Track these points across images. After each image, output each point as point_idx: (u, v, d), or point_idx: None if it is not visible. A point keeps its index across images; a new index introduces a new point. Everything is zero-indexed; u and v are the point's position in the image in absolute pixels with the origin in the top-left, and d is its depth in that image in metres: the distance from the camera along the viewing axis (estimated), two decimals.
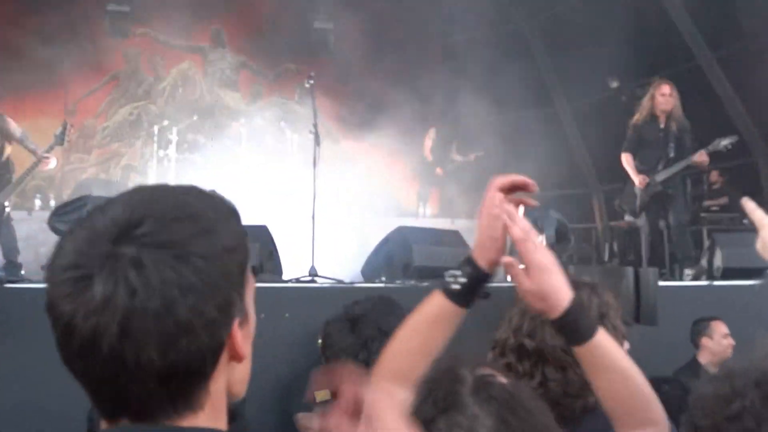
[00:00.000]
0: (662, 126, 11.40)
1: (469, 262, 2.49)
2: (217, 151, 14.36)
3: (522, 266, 2.39)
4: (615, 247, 16.49)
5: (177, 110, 17.38)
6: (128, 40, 18.22)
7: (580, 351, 2.40)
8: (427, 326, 2.48)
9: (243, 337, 1.61)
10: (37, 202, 14.17)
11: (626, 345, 3.27)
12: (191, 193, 1.63)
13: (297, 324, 6.93)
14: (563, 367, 3.00)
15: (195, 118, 15.93)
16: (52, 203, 14.31)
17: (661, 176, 11.37)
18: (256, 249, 8.08)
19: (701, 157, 10.91)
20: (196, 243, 1.50)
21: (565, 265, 10.60)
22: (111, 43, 18.10)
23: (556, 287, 2.39)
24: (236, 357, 1.61)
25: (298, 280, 8.53)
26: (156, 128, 15.01)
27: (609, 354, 2.38)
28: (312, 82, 10.88)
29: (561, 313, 2.38)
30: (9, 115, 10.82)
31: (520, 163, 15.52)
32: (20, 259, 10.74)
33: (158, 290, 1.44)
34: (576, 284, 3.26)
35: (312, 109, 10.99)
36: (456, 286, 2.46)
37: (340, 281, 8.57)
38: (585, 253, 17.28)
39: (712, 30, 15.52)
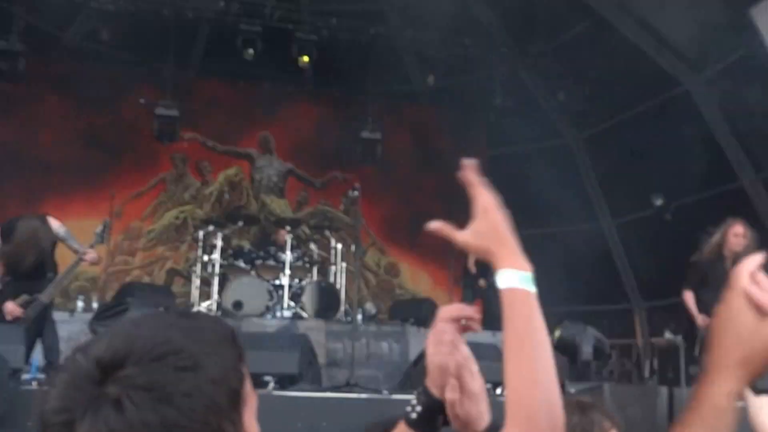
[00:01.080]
0: (729, 267, 10.69)
1: (424, 390, 2.48)
2: (262, 257, 14.41)
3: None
4: (655, 364, 16.37)
5: (223, 216, 17.48)
6: (176, 144, 18.40)
7: None
8: None
9: None
10: (80, 304, 14.20)
11: None
12: (176, 325, 1.62)
13: None
14: None
15: (240, 224, 16.01)
16: (95, 305, 14.35)
17: None
18: (296, 358, 8.09)
19: None
20: (178, 382, 1.50)
21: (603, 381, 10.55)
22: (159, 146, 18.32)
23: (480, 414, 2.39)
24: None
25: (336, 389, 8.49)
26: (201, 233, 15.10)
27: None
28: (357, 192, 10.87)
29: None
30: (55, 216, 10.86)
31: (562, 276, 15.53)
32: (61, 361, 10.67)
33: None
34: (566, 404, 3.45)
35: (356, 218, 10.98)
36: (414, 415, 2.45)
37: (377, 391, 8.50)
38: (625, 370, 17.16)
39: (757, 152, 15.48)
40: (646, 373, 16.71)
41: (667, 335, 14.02)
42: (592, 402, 3.76)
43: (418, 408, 2.45)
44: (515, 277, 2.20)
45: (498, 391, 8.51)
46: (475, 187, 2.37)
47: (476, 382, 2.40)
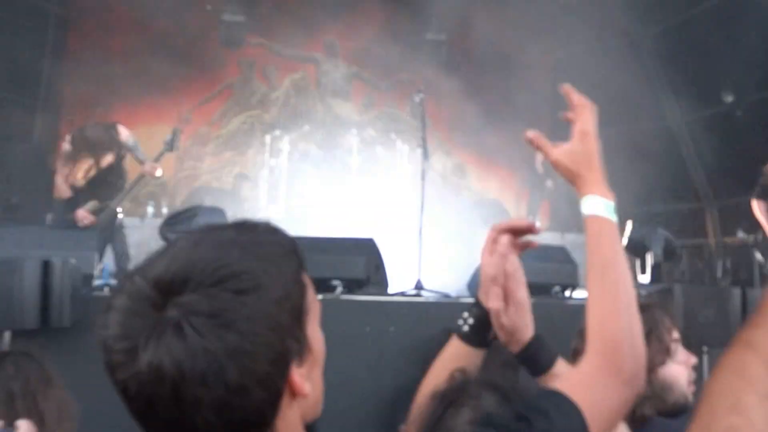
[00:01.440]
0: None
1: (477, 303, 2.56)
2: (329, 161, 14.44)
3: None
4: (728, 265, 16.17)
5: (289, 120, 17.54)
6: (243, 50, 18.46)
7: (543, 379, 2.44)
8: (448, 370, 2.55)
9: (306, 370, 1.63)
10: (150, 209, 14.37)
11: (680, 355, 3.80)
12: (236, 243, 1.61)
13: (402, 338, 6.91)
14: None
15: (307, 127, 16.05)
16: (165, 210, 14.52)
17: None
18: (363, 262, 8.10)
19: None
20: (239, 306, 1.50)
21: (674, 282, 10.48)
22: (226, 52, 18.38)
23: (525, 324, 2.47)
24: (298, 395, 1.62)
25: (403, 294, 8.50)
26: (268, 137, 15.15)
27: None
28: (421, 95, 10.77)
29: (521, 347, 2.47)
30: (124, 123, 10.95)
31: (631, 176, 15.37)
32: (132, 266, 10.76)
33: (204, 358, 1.46)
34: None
35: (422, 121, 10.89)
36: (466, 328, 2.55)
37: (446, 295, 8.54)
38: (697, 270, 17.02)
39: None
40: (719, 274, 16.57)
41: (740, 234, 13.85)
42: (650, 301, 3.82)
43: (471, 320, 2.55)
44: (601, 205, 2.30)
45: (567, 293, 8.47)
46: (579, 109, 2.43)
47: (523, 292, 2.48)
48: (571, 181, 2.39)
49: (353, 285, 7.82)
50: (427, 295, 8.42)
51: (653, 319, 3.68)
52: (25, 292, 6.15)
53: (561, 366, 2.45)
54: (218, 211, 10.73)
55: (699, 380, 3.85)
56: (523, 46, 18.96)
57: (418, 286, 8.88)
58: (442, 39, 18.42)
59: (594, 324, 2.14)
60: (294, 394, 1.61)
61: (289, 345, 1.57)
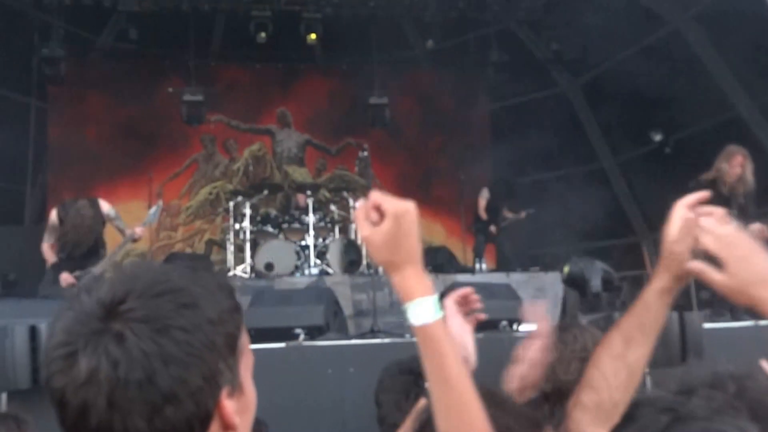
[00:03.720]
0: (725, 190, 10.38)
1: None
2: (288, 221, 14.60)
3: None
4: None
5: (250, 187, 17.75)
6: (204, 127, 18.74)
7: None
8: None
9: (237, 408, 1.57)
10: None
11: None
12: (177, 270, 1.59)
13: (361, 378, 6.73)
14: None
15: (266, 193, 16.21)
16: None
17: None
18: (322, 310, 8.24)
19: (762, 233, 10.20)
20: (176, 316, 1.48)
21: (615, 311, 10.54)
22: (189, 130, 18.68)
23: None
24: (228, 427, 1.56)
25: (361, 336, 8.62)
26: (232, 204, 15.38)
27: None
28: (366, 153, 11.00)
29: None
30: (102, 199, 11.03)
31: (569, 217, 15.51)
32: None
33: (140, 362, 1.43)
34: (566, 326, 3.89)
35: (369, 177, 11.05)
36: None
37: (400, 335, 8.58)
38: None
39: (751, 80, 14.92)
40: None
41: None
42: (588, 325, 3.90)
43: None
44: (431, 307, 2.09)
45: (514, 326, 8.60)
46: (392, 210, 2.10)
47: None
48: (386, 263, 2.15)
49: (314, 332, 7.94)
50: (383, 337, 8.52)
51: (591, 335, 3.79)
52: (17, 355, 6.27)
53: None
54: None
55: None
56: (459, 103, 19.21)
57: (375, 330, 9.03)
58: (384, 102, 18.62)
59: (442, 422, 2.06)
60: (225, 426, 1.55)
61: (222, 368, 1.53)
